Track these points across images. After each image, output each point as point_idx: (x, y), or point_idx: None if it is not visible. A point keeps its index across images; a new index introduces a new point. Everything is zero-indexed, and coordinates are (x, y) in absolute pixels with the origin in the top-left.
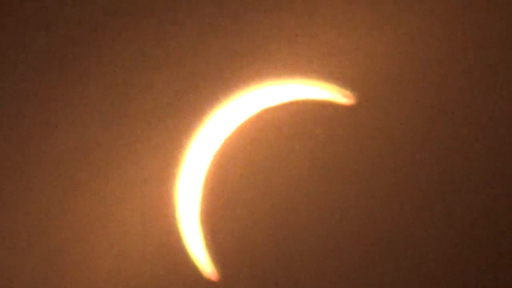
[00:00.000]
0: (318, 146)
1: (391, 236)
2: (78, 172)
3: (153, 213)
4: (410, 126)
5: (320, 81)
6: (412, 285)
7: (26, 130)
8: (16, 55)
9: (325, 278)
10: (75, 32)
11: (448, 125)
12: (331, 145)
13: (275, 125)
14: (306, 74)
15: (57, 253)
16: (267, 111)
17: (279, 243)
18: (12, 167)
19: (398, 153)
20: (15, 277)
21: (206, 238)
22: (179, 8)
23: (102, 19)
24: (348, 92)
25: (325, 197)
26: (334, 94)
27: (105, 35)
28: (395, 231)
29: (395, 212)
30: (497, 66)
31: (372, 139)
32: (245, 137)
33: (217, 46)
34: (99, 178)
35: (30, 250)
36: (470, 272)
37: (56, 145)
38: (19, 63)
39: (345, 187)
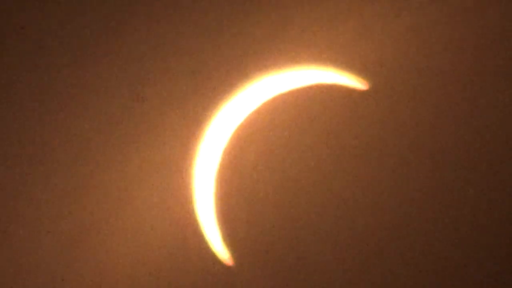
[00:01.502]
0: (332, 132)
1: (404, 218)
2: (96, 157)
3: (169, 198)
4: (423, 113)
5: (334, 67)
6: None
7: (46, 109)
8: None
9: (340, 263)
10: (92, 18)
11: (461, 114)
12: (345, 130)
13: (289, 110)
14: (321, 61)
15: (75, 237)
16: (281, 97)
17: (294, 228)
18: (31, 150)
19: (411, 138)
20: (34, 260)
21: (221, 223)
22: None
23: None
24: (362, 78)
25: (340, 181)
26: (349, 80)
27: (123, 21)
28: (408, 212)
29: (409, 195)
30: None
31: (386, 124)
32: (260, 122)
33: (232, 33)
34: (117, 163)
35: (50, 233)
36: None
37: (76, 130)
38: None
39: (360, 171)
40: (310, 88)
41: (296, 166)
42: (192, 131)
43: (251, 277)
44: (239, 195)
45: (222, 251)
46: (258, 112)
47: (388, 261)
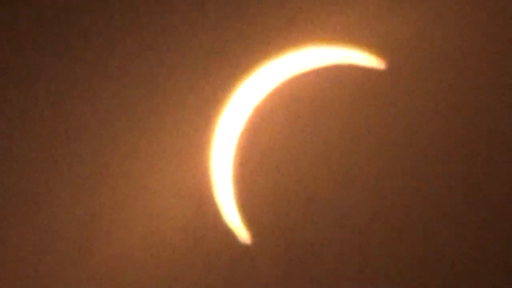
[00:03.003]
0: (350, 112)
1: (417, 198)
2: (113, 137)
3: (187, 176)
4: (441, 94)
5: (352, 46)
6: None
7: (60, 97)
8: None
9: (357, 244)
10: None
11: (480, 96)
12: (363, 110)
13: (307, 91)
14: (339, 40)
15: (92, 217)
16: (298, 77)
17: (312, 209)
18: (50, 134)
19: (426, 119)
20: (51, 240)
21: (239, 204)
22: None
23: None
24: (380, 58)
25: (358, 162)
26: (367, 59)
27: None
28: (421, 191)
29: (423, 173)
30: None
31: (401, 104)
32: (277, 103)
33: (249, 12)
34: (134, 142)
35: (67, 214)
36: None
37: (93, 111)
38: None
39: (375, 150)
40: (327, 68)
41: (314, 147)
42: (212, 107)
43: (269, 256)
44: (257, 177)
45: (240, 231)
46: (275, 93)
47: (409, 237)
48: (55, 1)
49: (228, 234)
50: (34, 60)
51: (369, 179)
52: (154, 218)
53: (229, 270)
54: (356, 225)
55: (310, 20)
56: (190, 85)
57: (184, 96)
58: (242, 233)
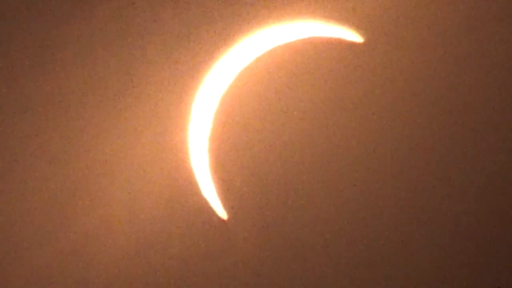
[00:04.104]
0: (328, 84)
1: (396, 169)
2: (91, 113)
3: (165, 152)
4: (420, 66)
5: (331, 21)
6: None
7: (42, 75)
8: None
9: (335, 215)
10: None
11: (459, 68)
12: (341, 83)
13: (286, 62)
14: (317, 14)
15: (73, 187)
16: (277, 50)
17: (289, 182)
18: (30, 110)
19: (406, 91)
20: (33, 211)
21: (216, 176)
22: None
23: None
24: (357, 32)
25: (336, 133)
26: (345, 33)
27: None
28: (398, 167)
29: (405, 145)
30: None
31: (381, 77)
32: (255, 76)
33: None
34: (113, 116)
35: (47, 184)
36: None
37: (71, 85)
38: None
39: (356, 124)
40: (305, 41)
41: (291, 120)
42: (190, 81)
43: (245, 232)
44: (234, 149)
45: (217, 205)
46: (254, 66)
47: (395, 220)
48: None
49: (205, 209)
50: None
51: (347, 149)
52: (134, 193)
53: (206, 243)
54: (332, 204)
55: None
56: (168, 59)
57: (163, 68)
58: (219, 209)
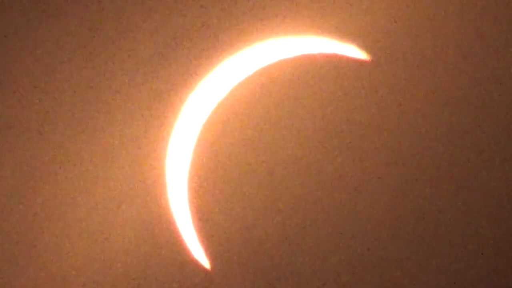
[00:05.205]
0: (326, 100)
1: (405, 188)
2: (59, 137)
3: (142, 172)
4: (424, 82)
5: (333, 36)
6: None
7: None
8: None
9: (325, 259)
10: None
11: (465, 82)
12: (345, 99)
13: (283, 78)
14: (319, 30)
15: (41, 215)
16: (276, 64)
17: (275, 218)
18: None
19: (411, 108)
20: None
21: (194, 212)
22: None
23: None
24: (360, 48)
25: (331, 152)
26: (350, 49)
27: None
28: (409, 180)
29: (409, 162)
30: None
31: (386, 94)
32: (253, 88)
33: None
34: (83, 140)
35: (17, 210)
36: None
37: (38, 107)
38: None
39: (358, 144)
40: (310, 57)
41: (290, 134)
42: (173, 101)
43: (232, 280)
44: (217, 185)
45: (197, 250)
46: (252, 79)
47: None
48: None
49: (186, 258)
50: None
51: (347, 169)
52: (101, 243)
53: None
54: (328, 250)
55: (294, 9)
56: (146, 81)
57: (140, 90)
58: (202, 258)
